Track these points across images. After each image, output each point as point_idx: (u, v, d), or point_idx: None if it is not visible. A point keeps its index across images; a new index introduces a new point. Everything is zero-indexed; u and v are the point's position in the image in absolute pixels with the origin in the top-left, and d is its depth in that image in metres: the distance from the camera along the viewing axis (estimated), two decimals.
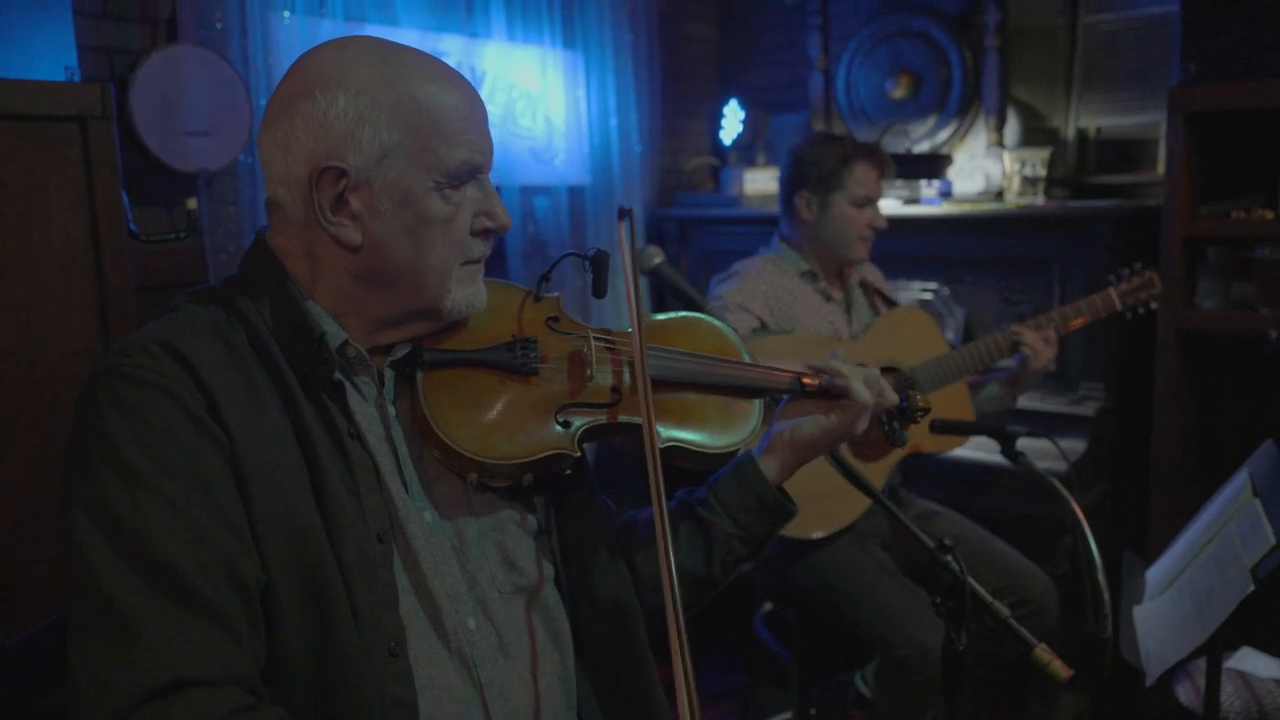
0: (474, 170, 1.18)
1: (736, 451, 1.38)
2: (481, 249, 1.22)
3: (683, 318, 1.49)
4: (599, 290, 1.37)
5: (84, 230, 2.01)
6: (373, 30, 3.10)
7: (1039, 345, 2.53)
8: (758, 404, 1.42)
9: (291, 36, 2.84)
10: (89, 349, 2.01)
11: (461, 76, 1.20)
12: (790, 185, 2.64)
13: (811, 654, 2.65)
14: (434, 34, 3.27)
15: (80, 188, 2.00)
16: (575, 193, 3.77)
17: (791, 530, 2.45)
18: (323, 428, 1.12)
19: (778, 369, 1.45)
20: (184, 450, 1.03)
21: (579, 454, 1.25)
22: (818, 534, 2.44)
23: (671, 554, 1.02)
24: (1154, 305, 2.70)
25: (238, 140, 2.69)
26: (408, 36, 3.18)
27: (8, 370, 1.92)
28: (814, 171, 2.57)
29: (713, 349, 1.42)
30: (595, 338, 1.31)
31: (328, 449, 1.11)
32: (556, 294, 1.37)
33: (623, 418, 1.28)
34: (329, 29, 2.94)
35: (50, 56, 2.22)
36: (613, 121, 3.84)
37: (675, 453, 1.33)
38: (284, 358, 1.13)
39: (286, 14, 2.84)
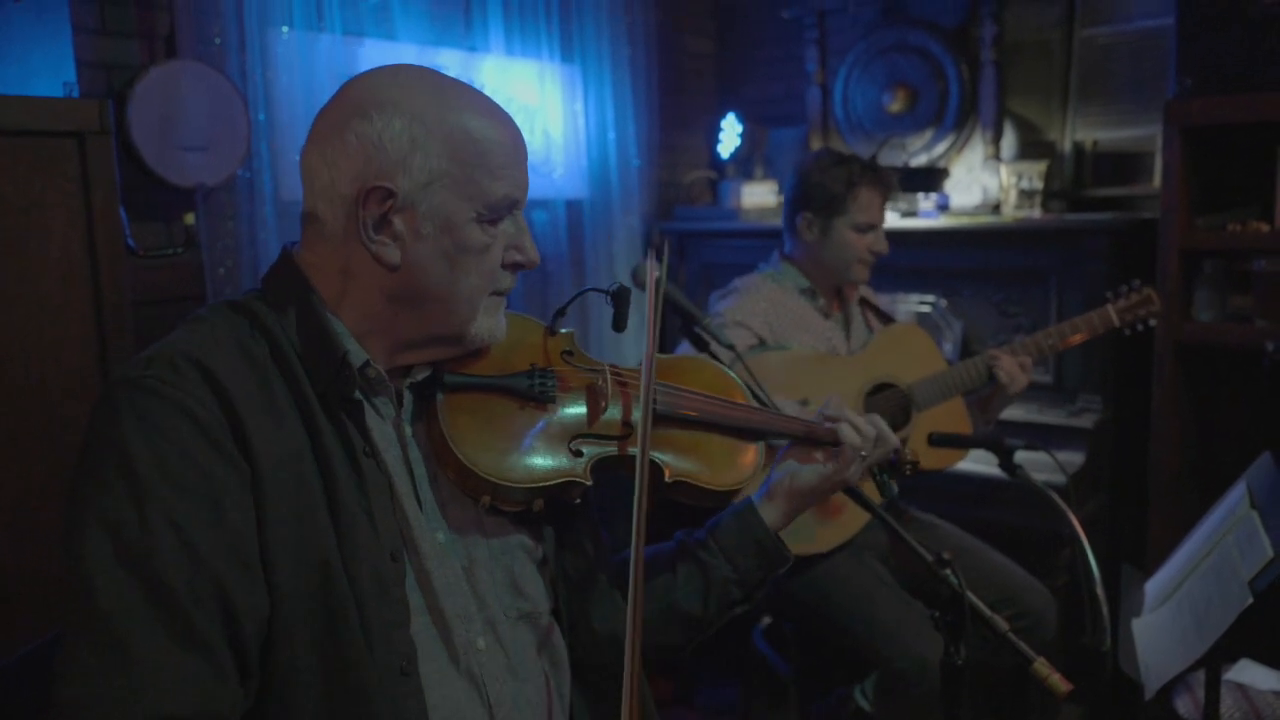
0: (512, 205, 1.21)
1: (738, 491, 1.42)
2: (509, 281, 1.26)
3: (691, 358, 1.55)
4: (619, 325, 1.43)
5: (82, 245, 2.01)
6: (371, 44, 3.11)
7: (1014, 370, 2.52)
8: (760, 446, 1.46)
9: (290, 51, 2.85)
10: (86, 364, 2.01)
11: (508, 114, 1.23)
12: (793, 206, 2.63)
13: (810, 668, 2.64)
14: (432, 48, 3.28)
15: (78, 203, 2.00)
16: (573, 206, 3.78)
17: (791, 546, 2.45)
18: (339, 445, 1.13)
19: (783, 416, 1.51)
20: (199, 471, 1.03)
21: (590, 482, 1.28)
22: (817, 550, 2.44)
23: (641, 572, 1.05)
24: (1152, 322, 2.69)
25: (236, 155, 2.69)
26: (406, 51, 3.20)
27: (5, 385, 1.92)
28: (818, 194, 2.56)
29: (719, 390, 1.47)
30: (610, 372, 1.35)
31: (343, 466, 1.12)
32: (571, 330, 1.41)
33: (632, 450, 1.31)
34: (327, 44, 2.95)
35: (49, 72, 2.22)
36: (610, 135, 3.85)
37: (679, 487, 1.36)
38: (305, 374, 1.14)
39: (285, 29, 2.85)
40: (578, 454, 1.28)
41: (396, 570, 1.13)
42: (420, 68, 1.22)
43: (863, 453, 1.47)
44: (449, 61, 3.32)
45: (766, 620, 2.87)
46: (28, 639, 1.41)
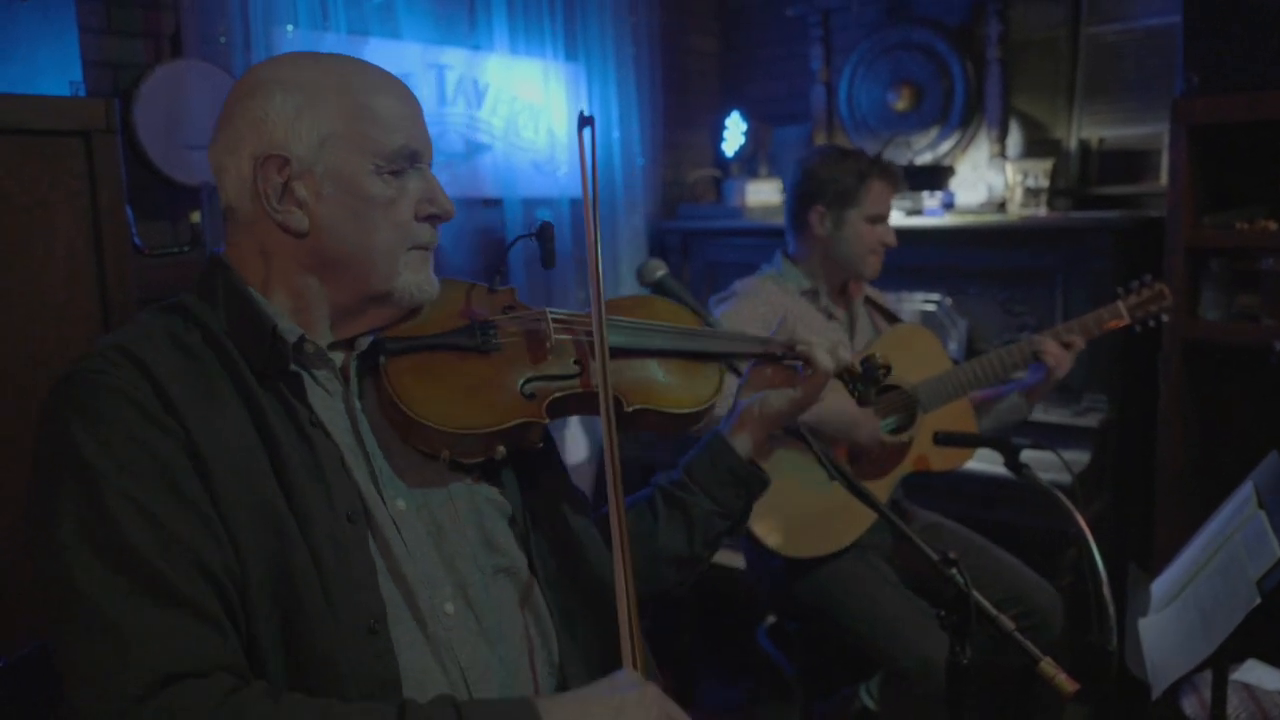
0: (412, 155, 1.23)
1: (702, 413, 1.43)
2: (429, 235, 1.26)
3: (639, 296, 1.55)
4: (547, 261, 1.44)
5: (88, 244, 2.01)
6: (376, 44, 3.12)
7: (1060, 354, 2.52)
8: (718, 367, 1.48)
9: (295, 50, 2.85)
10: None
11: (392, 75, 1.26)
12: (803, 200, 2.61)
13: (815, 667, 2.64)
14: (436, 47, 3.28)
15: (84, 201, 2.00)
16: (577, 204, 3.78)
17: (796, 550, 2.45)
18: (284, 418, 1.15)
19: (737, 335, 1.53)
20: (145, 449, 1.05)
21: (548, 420, 1.29)
22: (824, 551, 2.44)
23: (631, 585, 1.10)
24: (1165, 318, 2.67)
25: None
26: (410, 49, 3.20)
27: (10, 383, 1.92)
28: (831, 187, 2.55)
29: (670, 321, 1.49)
30: (552, 315, 1.36)
31: (290, 437, 1.14)
32: (511, 287, 1.42)
33: (592, 383, 1.33)
34: (332, 42, 2.96)
35: (55, 72, 2.23)
36: (615, 134, 3.84)
37: (643, 415, 1.37)
38: (239, 353, 1.16)
39: (290, 28, 2.85)
40: (530, 396, 1.28)
41: (355, 532, 1.14)
42: (296, 52, 1.28)
43: (834, 373, 1.49)
44: (453, 60, 3.33)
45: (771, 620, 2.87)
46: (27, 640, 1.42)
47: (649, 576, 1.43)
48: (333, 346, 1.24)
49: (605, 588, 1.30)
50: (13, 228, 1.92)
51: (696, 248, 4.01)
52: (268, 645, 1.07)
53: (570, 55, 3.70)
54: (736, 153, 4.14)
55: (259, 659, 1.07)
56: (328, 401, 1.21)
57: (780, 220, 3.80)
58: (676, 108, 4.24)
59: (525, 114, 3.55)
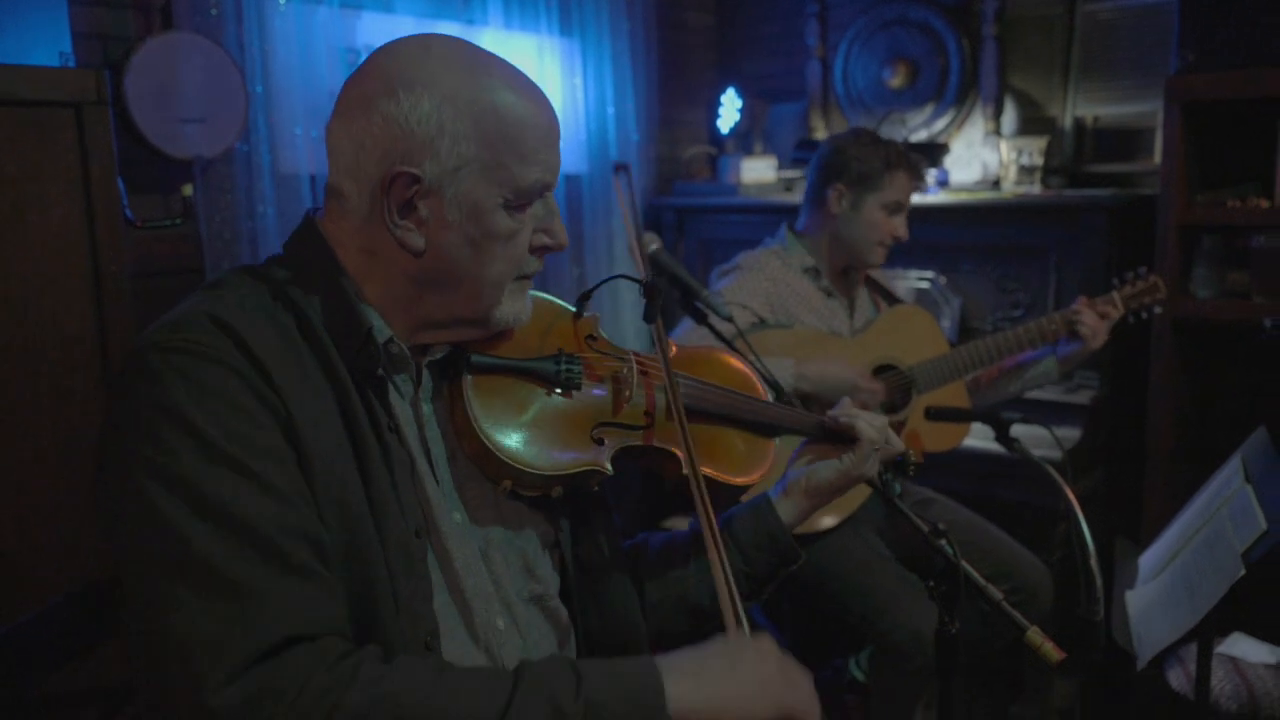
0: (543, 189, 1.19)
1: (750, 487, 1.42)
2: (535, 266, 1.24)
3: (708, 349, 1.54)
4: (650, 316, 1.38)
5: (80, 216, 2.00)
6: (369, 17, 3.10)
7: (1096, 324, 2.52)
8: (775, 442, 1.48)
9: (286, 23, 2.84)
10: (85, 335, 2.01)
11: (542, 92, 1.20)
12: (825, 175, 2.59)
13: (807, 640, 2.66)
14: (430, 21, 3.27)
15: (76, 173, 1.99)
16: (572, 181, 3.77)
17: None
18: (367, 419, 1.12)
19: (799, 412, 1.52)
20: (251, 421, 1.02)
21: (612, 472, 1.27)
22: (818, 529, 2.45)
23: (726, 563, 1.10)
24: (1157, 310, 2.67)
25: (233, 127, 2.68)
26: (404, 23, 3.18)
27: (3, 356, 1.92)
28: (855, 167, 2.53)
29: (738, 385, 1.48)
30: (635, 360, 1.35)
31: (371, 440, 1.11)
32: (595, 314, 1.40)
33: (656, 442, 1.32)
34: (325, 16, 2.94)
35: (45, 43, 2.22)
36: (610, 110, 3.83)
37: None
38: (332, 346, 1.13)
39: (282, 1, 2.83)
40: (600, 442, 1.27)
41: (420, 546, 1.14)
42: (452, 40, 1.18)
43: (877, 447, 1.47)
44: (449, 33, 3.30)
45: None
46: (28, 606, 1.42)
47: (663, 617, 1.43)
48: (409, 348, 1.22)
49: (628, 622, 1.33)
50: (3, 199, 1.91)
51: (691, 224, 4.00)
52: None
53: (565, 31, 3.68)
54: (731, 129, 4.13)
55: None
56: (400, 405, 1.20)
57: (775, 197, 3.83)
58: (672, 84, 4.22)
59: None
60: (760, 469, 1.43)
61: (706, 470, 1.34)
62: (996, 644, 2.55)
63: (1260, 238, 2.85)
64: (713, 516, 1.16)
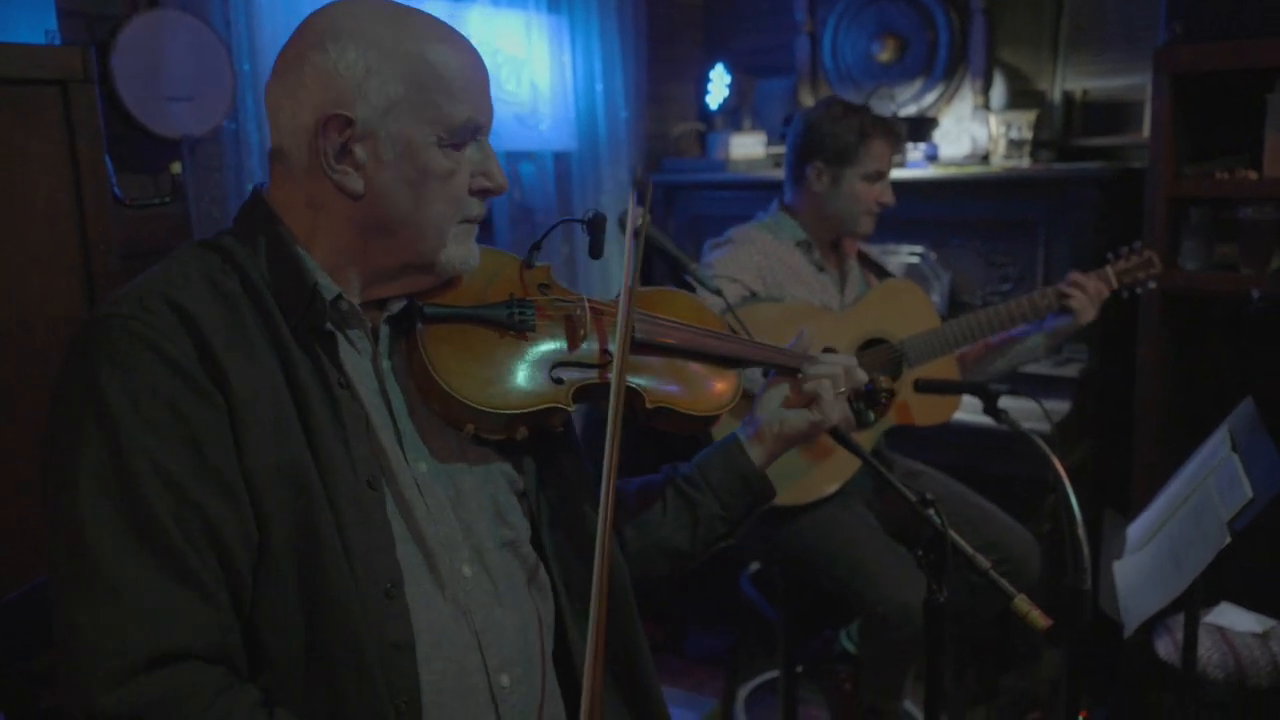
0: (475, 129, 1.22)
1: (718, 417, 1.45)
2: (478, 209, 1.26)
3: (664, 290, 1.56)
4: (595, 252, 1.45)
5: (68, 195, 2.00)
6: None
7: (1085, 302, 2.53)
8: (737, 373, 1.50)
9: (274, 1, 2.82)
10: (74, 314, 2.01)
11: (466, 39, 1.24)
12: (802, 154, 2.59)
13: (798, 612, 2.68)
14: None
15: (63, 152, 1.98)
16: (561, 158, 3.76)
17: (780, 499, 2.47)
18: (314, 376, 1.14)
19: (758, 344, 1.54)
20: (174, 409, 1.04)
21: (573, 408, 1.31)
22: (807, 499, 2.47)
23: (613, 491, 1.09)
24: (1151, 285, 2.67)
25: (221, 105, 2.67)
26: None
27: None
28: (830, 143, 2.53)
29: (697, 320, 1.50)
30: (588, 302, 1.37)
31: (318, 397, 1.14)
32: (547, 263, 1.43)
33: (610, 376, 1.32)
34: None
35: (31, 21, 2.20)
36: (598, 86, 3.82)
37: (659, 414, 1.39)
38: (276, 305, 1.15)
39: None
40: (559, 381, 1.30)
41: (375, 497, 1.15)
42: None
43: (840, 389, 1.51)
44: (435, 11, 3.25)
45: (755, 566, 2.91)
46: (17, 584, 1.43)
47: (643, 561, 1.46)
48: (364, 305, 1.24)
49: (611, 565, 1.33)
50: None
51: (681, 201, 4.00)
52: (290, 602, 1.08)
53: (553, 7, 3.66)
54: (720, 105, 4.12)
55: (277, 623, 1.08)
56: (357, 360, 1.22)
57: (764, 173, 3.82)
58: (660, 60, 4.21)
59: (507, 67, 3.52)
60: (722, 399, 1.45)
61: (666, 403, 1.38)
62: (985, 614, 2.58)
63: (1248, 210, 2.86)
64: (618, 432, 1.19)
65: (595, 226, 1.43)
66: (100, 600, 0.98)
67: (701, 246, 2.75)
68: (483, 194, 1.25)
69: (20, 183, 1.94)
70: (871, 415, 1.61)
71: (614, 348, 1.34)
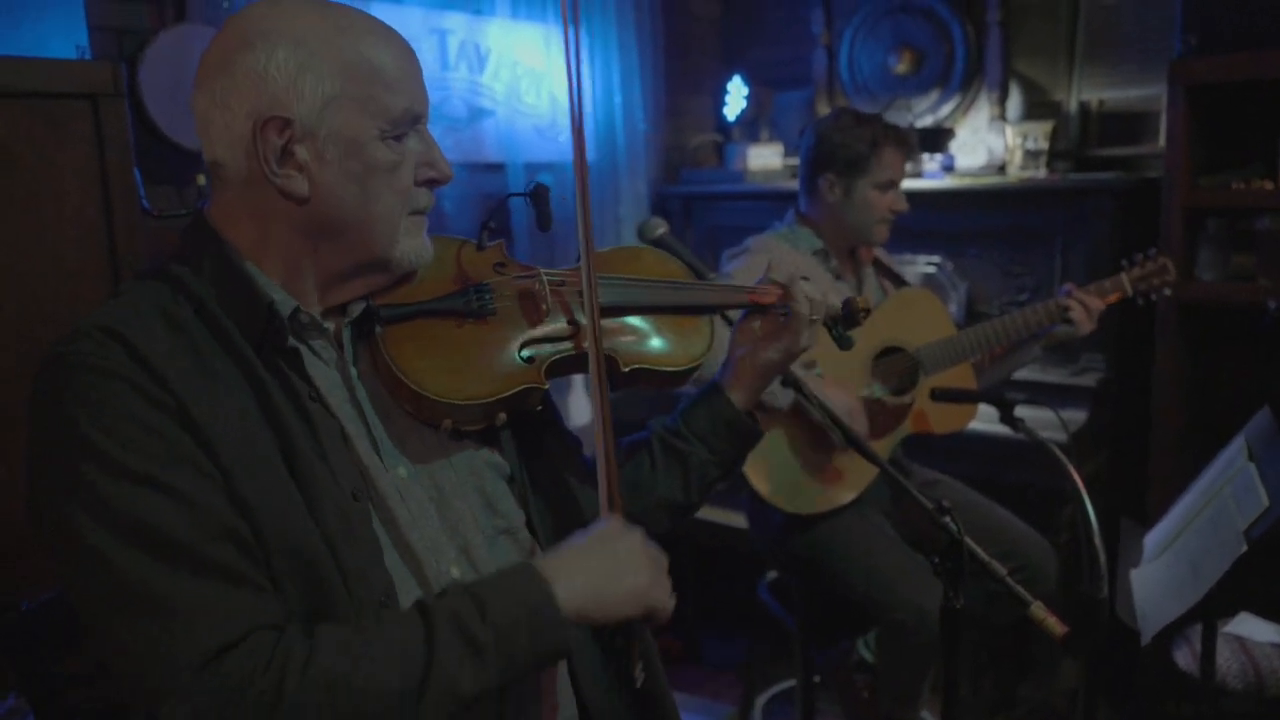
0: (415, 118, 1.19)
1: (695, 369, 1.43)
2: (426, 199, 1.23)
3: (628, 248, 1.54)
4: (544, 223, 1.42)
5: (97, 207, 2.03)
6: (378, 9, 3.12)
7: (1083, 317, 2.53)
8: (708, 320, 1.48)
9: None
10: None
11: (394, 30, 1.21)
12: (814, 166, 2.61)
13: (815, 621, 2.69)
14: (438, 11, 3.29)
15: (93, 164, 2.02)
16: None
17: (798, 507, 2.49)
18: (283, 394, 1.12)
19: (725, 286, 1.53)
20: (152, 430, 1.02)
21: (547, 385, 1.29)
22: (823, 509, 2.48)
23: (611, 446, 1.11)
24: (1166, 292, 2.66)
25: None
26: (412, 14, 3.20)
27: (23, 346, 1.94)
28: (841, 154, 2.54)
29: (659, 274, 1.47)
30: (545, 275, 1.35)
31: (291, 415, 1.11)
32: (499, 241, 1.40)
33: (585, 346, 1.31)
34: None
35: (61, 36, 2.24)
36: (617, 99, 3.85)
37: (637, 375, 1.37)
38: (235, 328, 1.12)
39: None
40: (529, 360, 1.28)
41: (360, 508, 1.13)
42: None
43: (813, 317, 1.48)
44: (454, 24, 3.33)
45: (772, 575, 2.91)
46: (42, 590, 1.45)
47: (644, 521, 1.43)
48: (324, 313, 1.21)
49: None
50: (22, 190, 1.94)
51: (699, 212, 4.03)
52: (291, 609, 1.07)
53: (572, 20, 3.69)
54: (738, 117, 4.14)
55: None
56: (324, 371, 1.19)
57: (782, 184, 3.84)
58: (678, 73, 4.23)
59: (527, 79, 3.55)
60: (697, 349, 1.43)
61: (642, 363, 1.36)
62: (1001, 622, 2.58)
63: (1265, 220, 2.86)
64: (606, 398, 1.21)
65: (539, 198, 1.41)
66: (146, 617, 0.98)
67: (719, 257, 2.77)
68: (429, 184, 1.23)
69: (50, 194, 1.98)
70: (851, 338, 1.58)
71: (580, 317, 1.33)
